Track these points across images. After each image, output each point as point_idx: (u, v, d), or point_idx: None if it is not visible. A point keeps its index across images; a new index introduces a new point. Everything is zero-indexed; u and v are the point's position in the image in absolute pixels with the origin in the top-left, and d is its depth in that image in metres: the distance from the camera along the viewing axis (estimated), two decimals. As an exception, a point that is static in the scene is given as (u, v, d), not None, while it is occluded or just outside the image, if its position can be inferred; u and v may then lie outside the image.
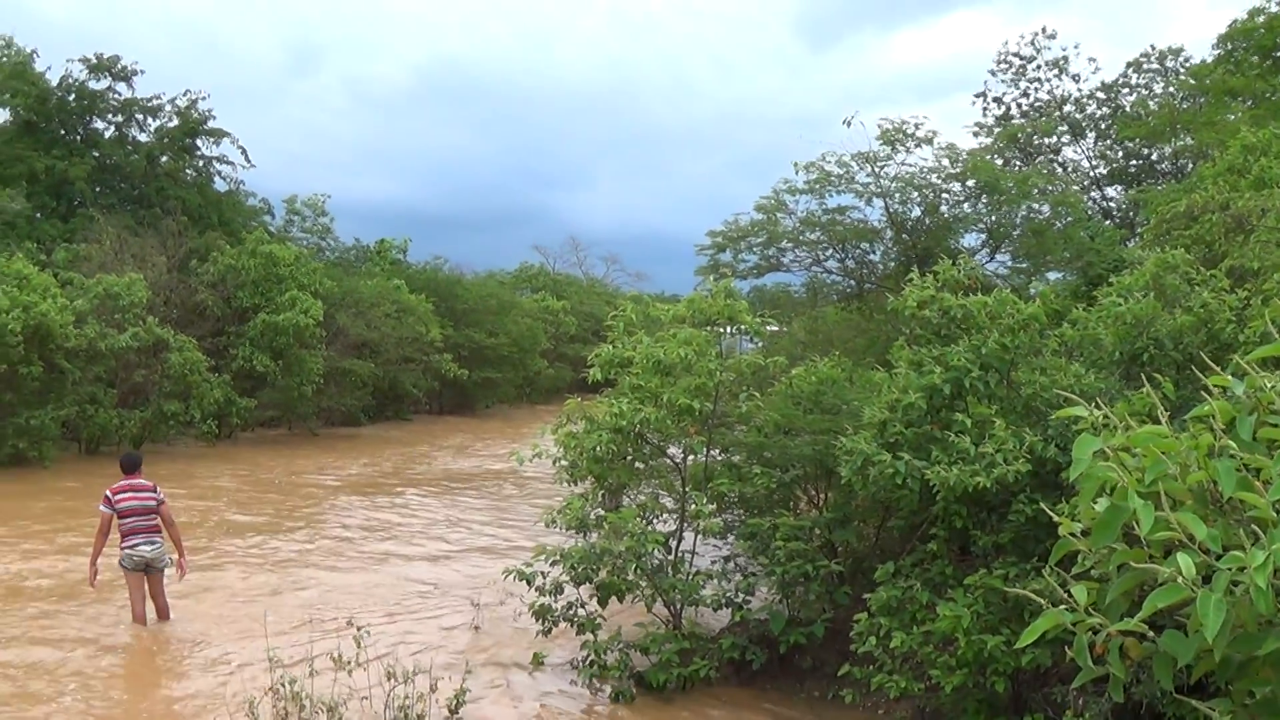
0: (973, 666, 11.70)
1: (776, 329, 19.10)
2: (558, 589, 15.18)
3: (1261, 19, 38.30)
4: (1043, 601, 5.55)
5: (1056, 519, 5.42)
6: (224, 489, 31.86)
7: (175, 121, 51.84)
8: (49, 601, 18.94)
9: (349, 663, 12.37)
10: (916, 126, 28.93)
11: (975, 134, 45.82)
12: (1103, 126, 46.20)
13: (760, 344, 19.33)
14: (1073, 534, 5.46)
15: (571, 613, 15.24)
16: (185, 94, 51.63)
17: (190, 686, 15.01)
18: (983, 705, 12.17)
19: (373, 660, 12.98)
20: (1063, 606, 5.29)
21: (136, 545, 17.19)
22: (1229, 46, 38.63)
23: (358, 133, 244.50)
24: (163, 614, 17.70)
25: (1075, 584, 5.28)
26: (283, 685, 11.77)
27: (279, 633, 16.56)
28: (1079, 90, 46.51)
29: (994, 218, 30.37)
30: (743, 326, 16.54)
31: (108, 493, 17.42)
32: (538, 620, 15.32)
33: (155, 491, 17.57)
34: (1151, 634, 5.18)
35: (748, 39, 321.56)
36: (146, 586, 17.46)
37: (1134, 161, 45.26)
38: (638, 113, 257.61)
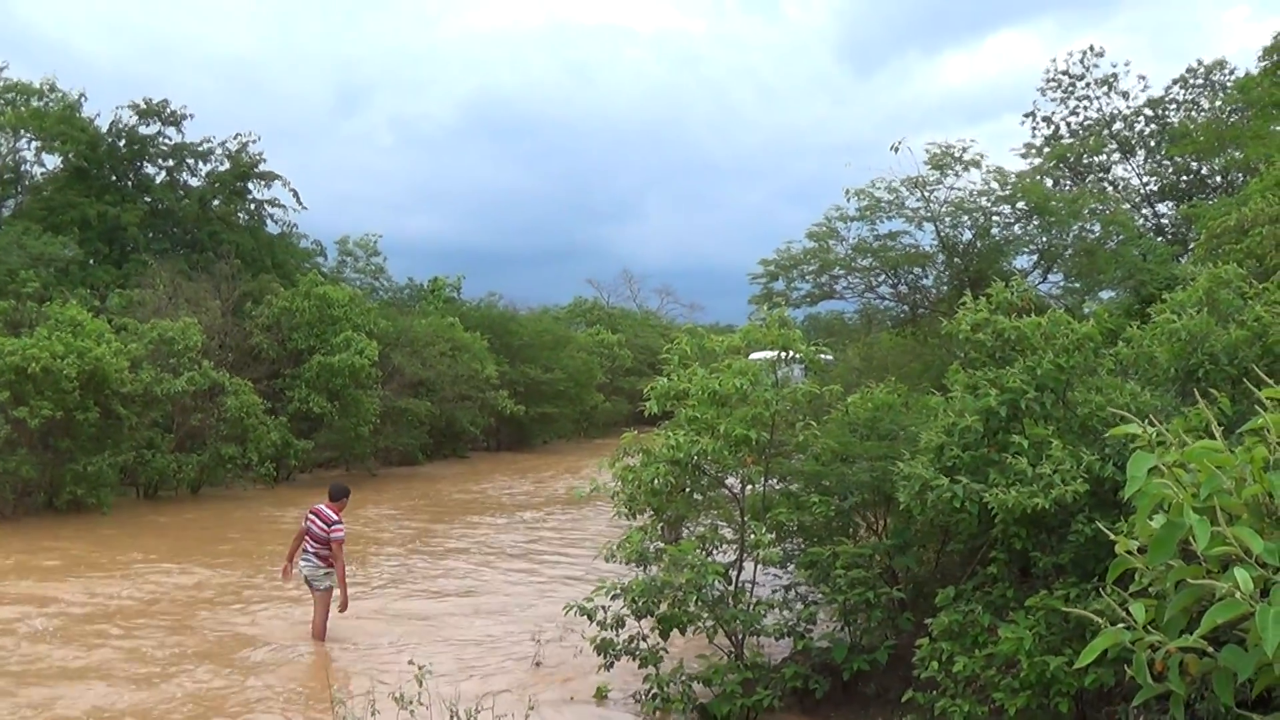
0: (1036, 688, 11.65)
1: (830, 358, 19.05)
2: (619, 623, 15.19)
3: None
4: (1101, 621, 5.56)
5: (1113, 537, 5.43)
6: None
7: (226, 165, 52.16)
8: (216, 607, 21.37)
9: (410, 701, 12.43)
10: (964, 150, 28.95)
11: (1024, 155, 45.74)
12: (1152, 144, 46.09)
13: (810, 374, 19.22)
14: (1129, 552, 5.47)
15: (633, 646, 15.26)
16: (235, 137, 52.02)
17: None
18: (1047, 728, 12.14)
19: (435, 697, 13.02)
20: (1121, 625, 5.30)
21: (300, 561, 19.15)
22: (1275, 59, 38.40)
23: (406, 171, 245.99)
24: (316, 633, 19.13)
25: (1134, 602, 5.29)
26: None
27: (342, 666, 16.83)
28: (1128, 107, 46.44)
29: (1045, 239, 30.32)
30: (797, 355, 16.53)
31: (309, 510, 19.50)
32: (600, 654, 15.33)
33: (329, 526, 18.89)
34: (1211, 650, 5.18)
35: (791, 67, 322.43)
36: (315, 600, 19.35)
37: (1184, 177, 45.12)
38: (685, 144, 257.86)
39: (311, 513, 19.21)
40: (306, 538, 19.10)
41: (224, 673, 17.34)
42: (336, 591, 19.04)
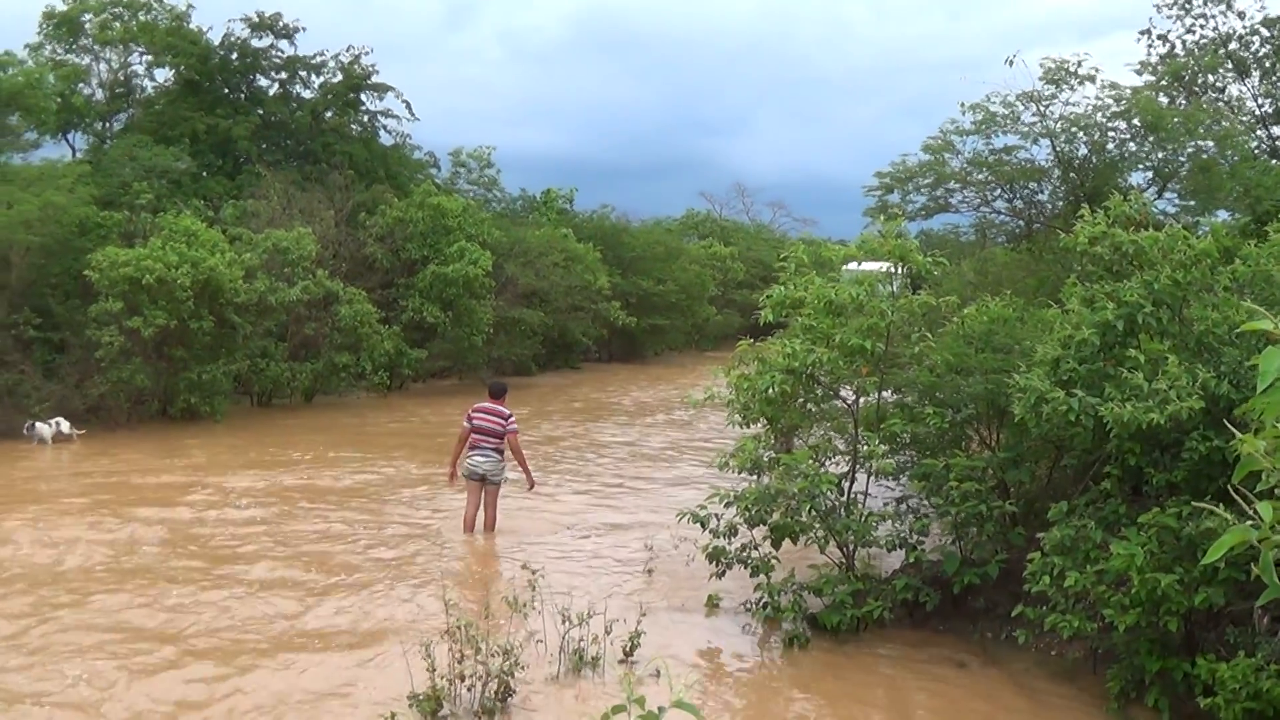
0: (1146, 606, 11.61)
1: (938, 273, 18.90)
2: (732, 531, 15.29)
3: None
4: (1229, 517, 5.56)
5: (1239, 435, 5.43)
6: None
7: (339, 77, 52.04)
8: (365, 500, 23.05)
9: (524, 605, 12.61)
10: (1079, 64, 28.73)
11: (1139, 72, 45.07)
12: (1267, 64, 45.31)
13: (924, 285, 19.12)
14: (1256, 453, 5.44)
15: (745, 555, 15.34)
16: (348, 49, 51.88)
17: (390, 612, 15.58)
18: (1155, 645, 12.09)
19: (547, 603, 13.20)
20: (1249, 523, 5.29)
21: (473, 457, 19.85)
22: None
23: (515, 85, 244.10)
24: (488, 525, 20.05)
25: (1260, 502, 5.28)
26: (458, 628, 11.97)
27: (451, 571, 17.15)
28: (1244, 27, 45.64)
29: (1160, 155, 30.07)
30: (906, 269, 16.47)
31: (470, 411, 20.36)
32: (712, 563, 15.46)
33: (505, 420, 19.89)
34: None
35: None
36: (483, 498, 20.06)
37: (1299, 100, 44.34)
38: (796, 58, 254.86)
39: (480, 412, 19.95)
40: (477, 436, 19.79)
41: (379, 554, 18.51)
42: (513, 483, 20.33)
